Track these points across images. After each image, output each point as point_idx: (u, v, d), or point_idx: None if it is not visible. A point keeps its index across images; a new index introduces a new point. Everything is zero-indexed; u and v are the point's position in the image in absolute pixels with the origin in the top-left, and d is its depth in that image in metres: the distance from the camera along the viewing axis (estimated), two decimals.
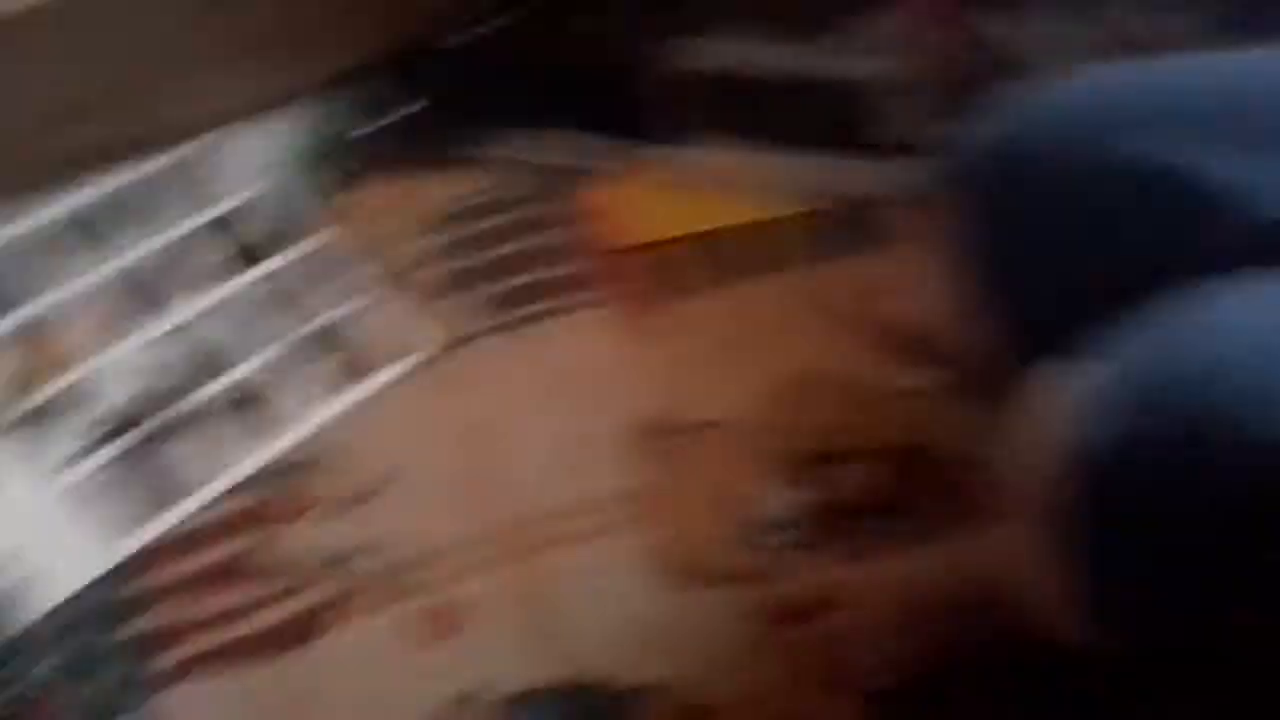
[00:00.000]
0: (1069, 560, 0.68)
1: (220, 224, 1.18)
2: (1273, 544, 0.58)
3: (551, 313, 1.14)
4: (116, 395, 1.08)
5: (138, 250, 1.15)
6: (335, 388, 1.09)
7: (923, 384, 1.08)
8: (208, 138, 1.21)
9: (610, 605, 1.00)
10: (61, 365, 1.09)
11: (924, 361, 1.09)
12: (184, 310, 1.12)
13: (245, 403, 1.08)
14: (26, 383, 1.08)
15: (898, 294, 1.11)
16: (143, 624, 0.97)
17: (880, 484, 1.05)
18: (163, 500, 1.03)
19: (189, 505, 1.03)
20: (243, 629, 0.97)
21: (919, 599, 0.93)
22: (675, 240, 1.19)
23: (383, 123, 1.24)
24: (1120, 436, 0.62)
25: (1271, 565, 0.58)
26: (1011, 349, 0.88)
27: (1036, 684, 0.79)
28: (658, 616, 0.99)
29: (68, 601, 0.97)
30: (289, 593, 0.99)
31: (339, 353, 1.11)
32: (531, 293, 1.16)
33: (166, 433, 1.06)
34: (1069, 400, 0.66)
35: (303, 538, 1.02)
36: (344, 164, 1.21)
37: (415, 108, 1.25)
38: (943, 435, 1.06)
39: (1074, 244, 0.74)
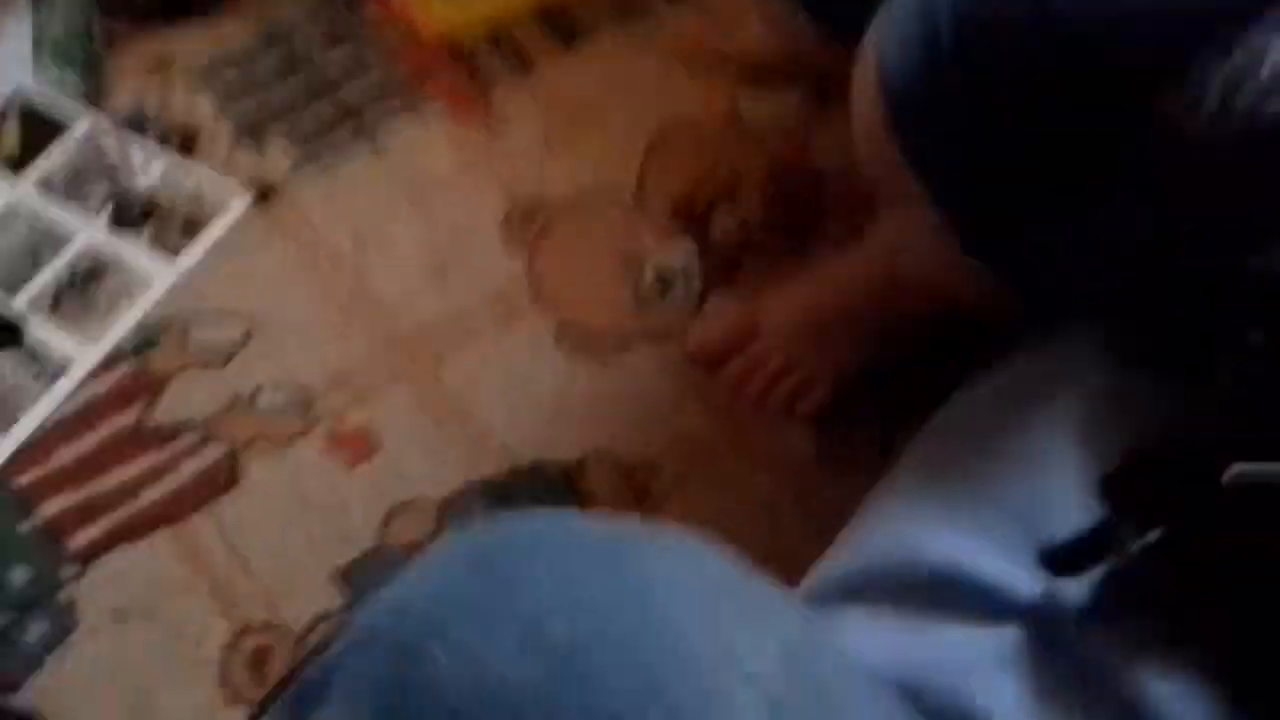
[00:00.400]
0: (920, 182, 0.70)
1: None
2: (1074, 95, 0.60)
3: (379, 127, 1.10)
4: None
5: None
6: (175, 249, 1.04)
7: (789, 106, 1.08)
8: None
9: (525, 391, 0.98)
10: None
11: (780, 86, 1.09)
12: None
13: (91, 277, 1.02)
14: None
15: (740, 25, 1.10)
16: (48, 511, 0.92)
17: (763, 216, 1.05)
18: (36, 389, 0.97)
19: (64, 388, 0.97)
20: (159, 492, 0.93)
21: (830, 309, 0.94)
22: (495, 19, 1.15)
23: None
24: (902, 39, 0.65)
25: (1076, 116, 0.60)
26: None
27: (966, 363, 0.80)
28: (576, 391, 0.98)
29: None
30: (197, 446, 0.95)
31: (167, 216, 1.06)
32: (348, 112, 1.11)
33: (21, 321, 0.99)
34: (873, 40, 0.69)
35: (191, 395, 0.98)
36: (102, 39, 1.14)
37: None
38: (818, 153, 1.06)
39: None
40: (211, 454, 0.95)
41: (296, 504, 0.93)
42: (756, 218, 1.05)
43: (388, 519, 0.93)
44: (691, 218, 1.06)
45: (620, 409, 0.98)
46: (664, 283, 1.03)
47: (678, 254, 1.04)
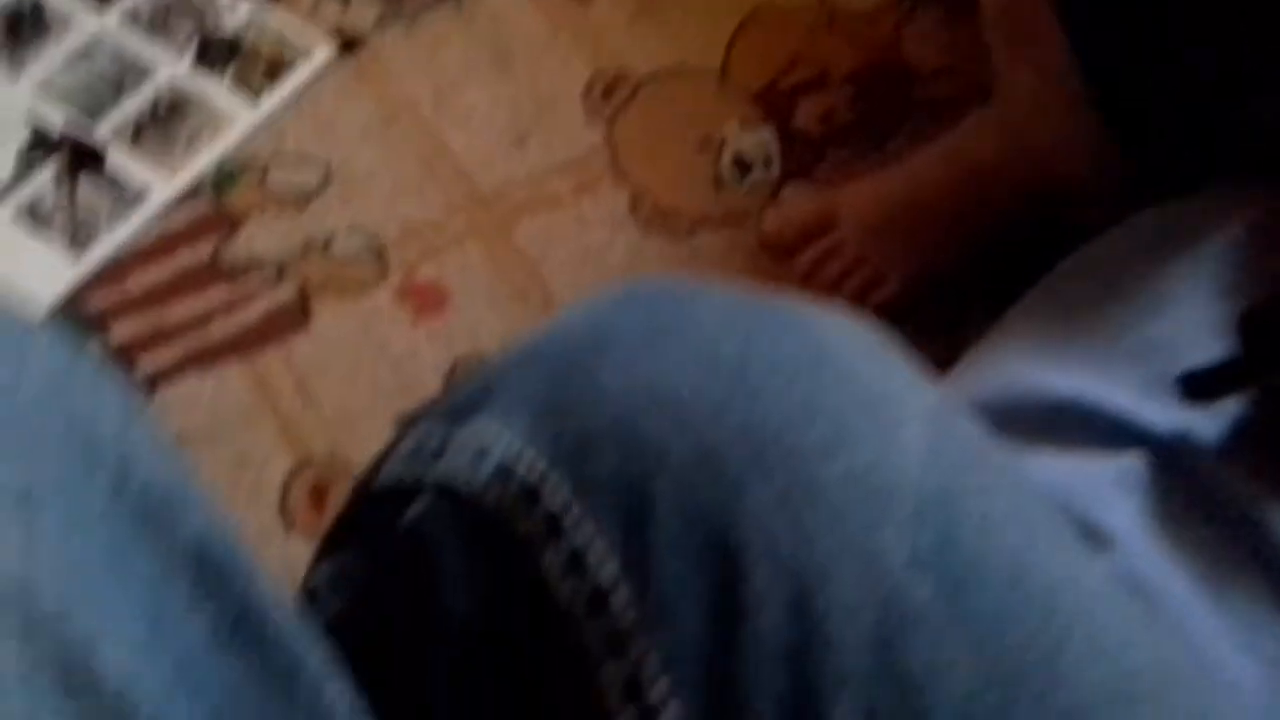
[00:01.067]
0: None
1: None
2: None
3: None
4: (46, 119, 1.01)
5: None
6: (257, 92, 1.04)
7: (877, 3, 1.07)
8: None
9: (596, 261, 0.99)
10: None
11: None
12: (84, 32, 1.05)
13: (173, 112, 1.02)
14: None
15: None
16: (118, 335, 0.93)
17: (849, 108, 1.04)
18: (114, 214, 0.97)
19: (141, 216, 0.97)
20: (229, 325, 0.94)
21: (914, 199, 0.93)
22: None
23: None
24: None
25: None
26: None
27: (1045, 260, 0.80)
28: (645, 266, 0.98)
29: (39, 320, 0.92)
30: (270, 284, 0.96)
31: (251, 59, 1.06)
32: None
33: (103, 147, 1.00)
34: None
35: (266, 235, 0.98)
36: None
37: None
38: (908, 50, 1.05)
39: None
40: (283, 294, 0.95)
41: (364, 349, 0.94)
42: (841, 111, 1.04)
43: (452, 371, 0.93)
44: (775, 104, 1.05)
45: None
46: (742, 166, 1.03)
47: (758, 139, 1.03)
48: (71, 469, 0.34)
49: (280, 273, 0.96)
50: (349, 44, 1.06)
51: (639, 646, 0.38)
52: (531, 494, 0.40)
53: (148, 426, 0.37)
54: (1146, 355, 0.57)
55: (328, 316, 0.95)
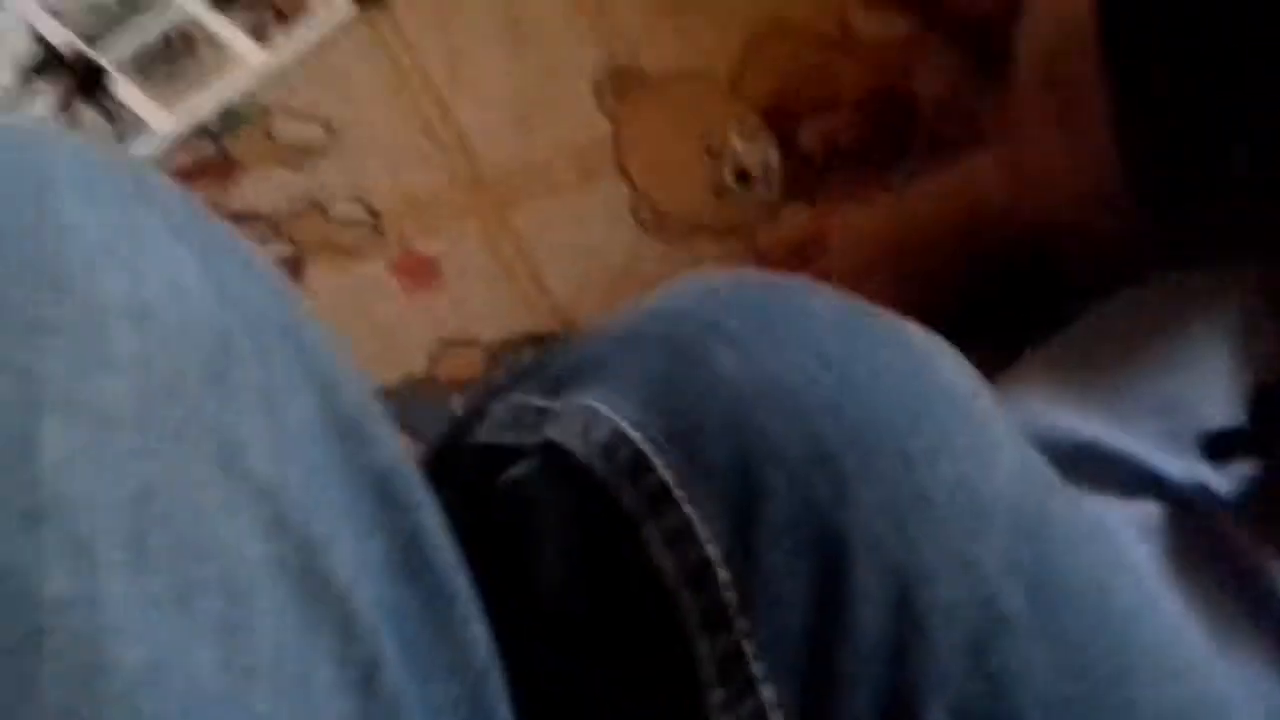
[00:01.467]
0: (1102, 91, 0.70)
1: None
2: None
3: None
4: (53, 40, 0.99)
5: None
6: (271, 40, 1.03)
7: (899, 31, 1.08)
8: None
9: (591, 255, 0.99)
10: None
11: (900, 9, 1.09)
12: None
13: (183, 49, 1.01)
14: None
15: None
16: None
17: (853, 132, 1.05)
18: (113, 145, 0.96)
19: (141, 150, 0.96)
20: None
21: (908, 237, 0.95)
22: None
23: None
24: None
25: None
26: None
27: (1037, 314, 0.82)
28: (640, 267, 0.99)
29: None
30: (264, 239, 0.95)
31: (267, 6, 1.05)
32: None
33: (106, 74, 0.99)
34: None
35: (264, 189, 0.98)
36: None
37: None
38: (918, 81, 1.06)
39: None
40: (276, 250, 0.95)
41: (353, 316, 0.94)
42: (845, 134, 1.06)
43: (439, 350, 0.94)
44: (782, 121, 1.06)
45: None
46: (743, 179, 1.04)
47: (762, 153, 1.04)
48: (294, 379, 0.35)
49: (276, 229, 0.96)
50: (369, 1, 1.05)
51: (739, 627, 0.39)
52: (641, 466, 0.41)
53: (344, 354, 0.38)
54: (1164, 410, 0.60)
55: (319, 279, 0.94)
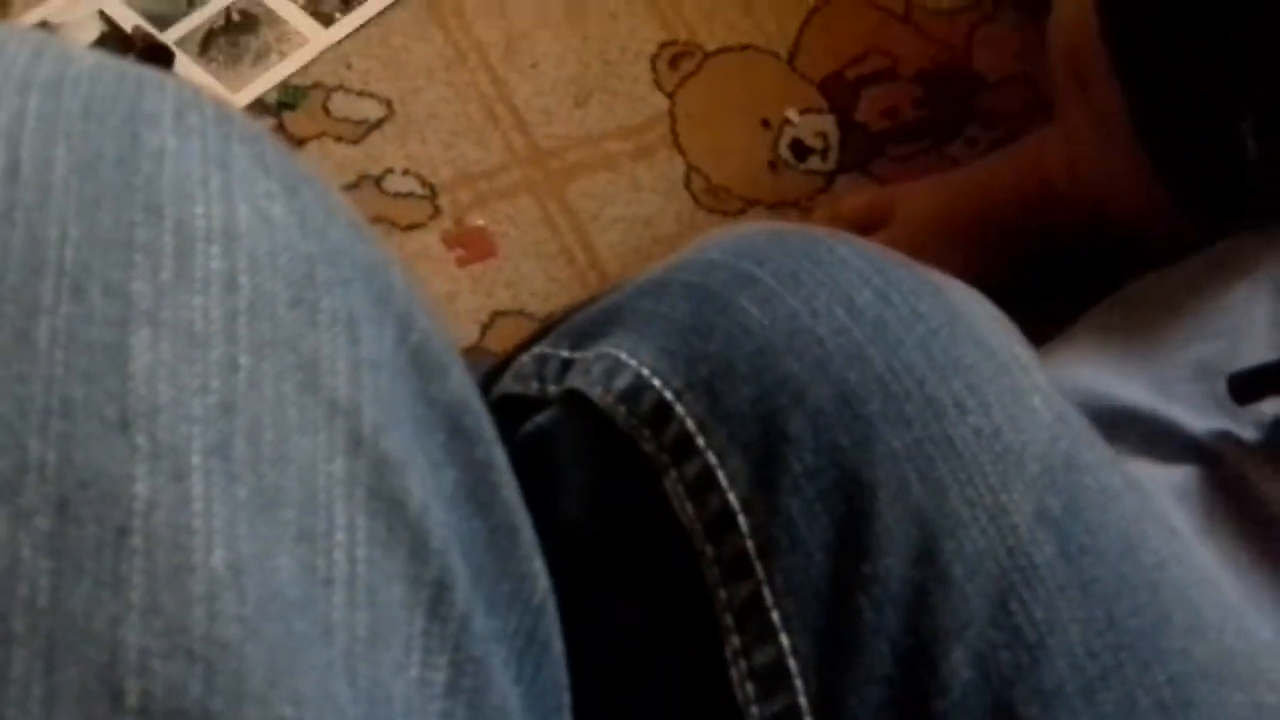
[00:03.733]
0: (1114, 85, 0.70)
1: None
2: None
3: None
4: (118, 18, 1.01)
5: None
6: (329, 18, 1.04)
7: (960, 3, 1.07)
8: None
9: (645, 229, 0.99)
10: None
11: None
12: None
13: (244, 28, 1.03)
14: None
15: None
16: None
17: (913, 105, 1.04)
18: None
19: None
20: None
21: (970, 210, 0.94)
22: None
23: None
24: None
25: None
26: None
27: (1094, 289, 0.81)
28: (694, 240, 0.99)
29: None
30: None
31: None
32: None
33: (170, 53, 1.00)
34: None
35: (321, 164, 0.99)
36: None
37: None
38: (978, 54, 1.05)
39: None
40: None
41: None
42: (904, 108, 1.05)
43: (490, 322, 0.94)
44: (839, 94, 1.05)
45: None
46: (800, 152, 1.03)
47: (819, 126, 1.04)
48: (372, 310, 0.35)
49: None
50: None
51: (759, 573, 0.39)
52: (663, 414, 0.41)
53: (420, 290, 0.38)
54: (1202, 374, 0.58)
55: None
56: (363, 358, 0.34)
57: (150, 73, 0.37)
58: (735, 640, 0.39)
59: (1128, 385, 0.59)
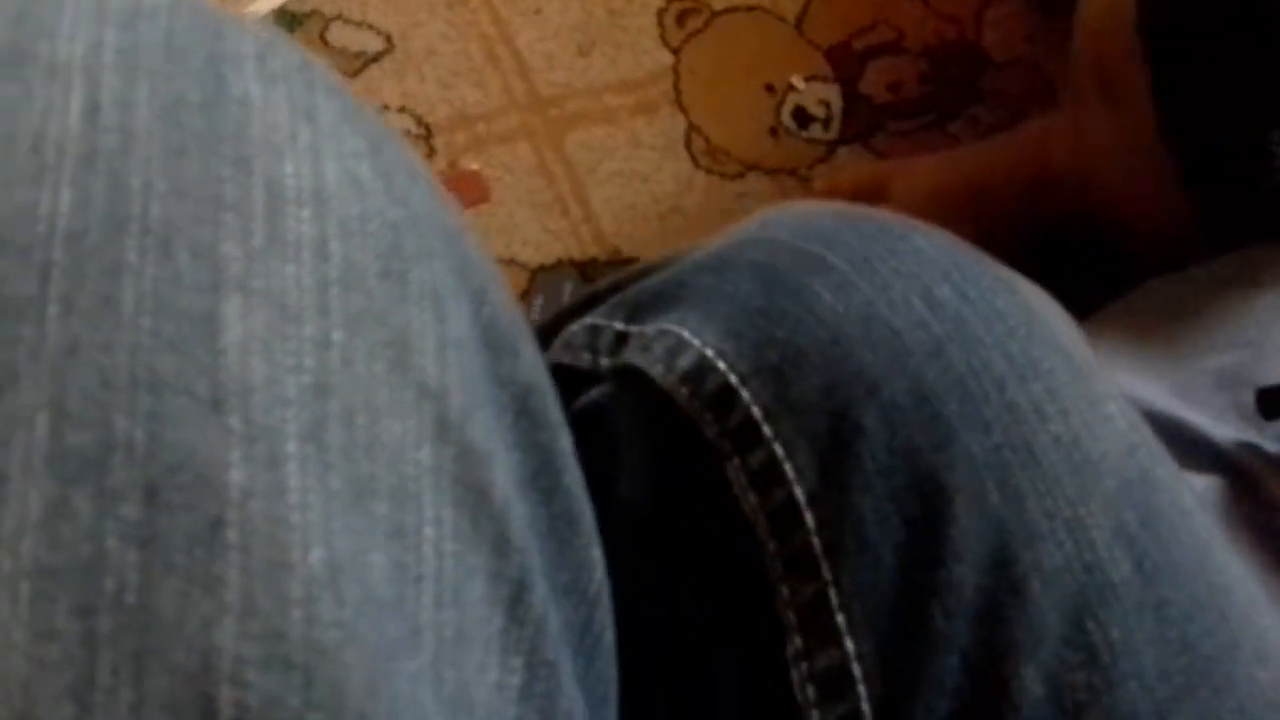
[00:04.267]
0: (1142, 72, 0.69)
1: None
2: None
3: None
4: None
5: None
6: None
7: None
8: None
9: (641, 185, 0.97)
10: None
11: None
12: None
13: None
14: None
15: None
16: None
17: (918, 80, 1.03)
18: None
19: None
20: None
21: (971, 190, 0.93)
22: None
23: None
24: None
25: None
26: None
27: (1088, 270, 0.80)
28: (690, 201, 0.97)
29: None
30: None
31: None
32: None
33: None
34: None
35: None
36: None
37: None
38: (987, 34, 1.04)
39: None
40: None
41: None
42: (909, 83, 1.03)
43: None
44: (845, 63, 1.04)
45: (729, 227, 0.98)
46: (801, 119, 1.02)
47: (823, 95, 1.02)
48: (453, 283, 0.33)
49: None
50: None
51: (825, 573, 0.37)
52: (728, 399, 0.39)
53: (492, 262, 0.36)
54: (1224, 384, 0.58)
55: None
56: (449, 336, 0.32)
57: (224, 11, 0.35)
58: (798, 640, 0.37)
59: (1150, 389, 0.59)
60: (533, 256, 0.94)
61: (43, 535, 0.26)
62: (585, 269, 0.94)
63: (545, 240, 0.95)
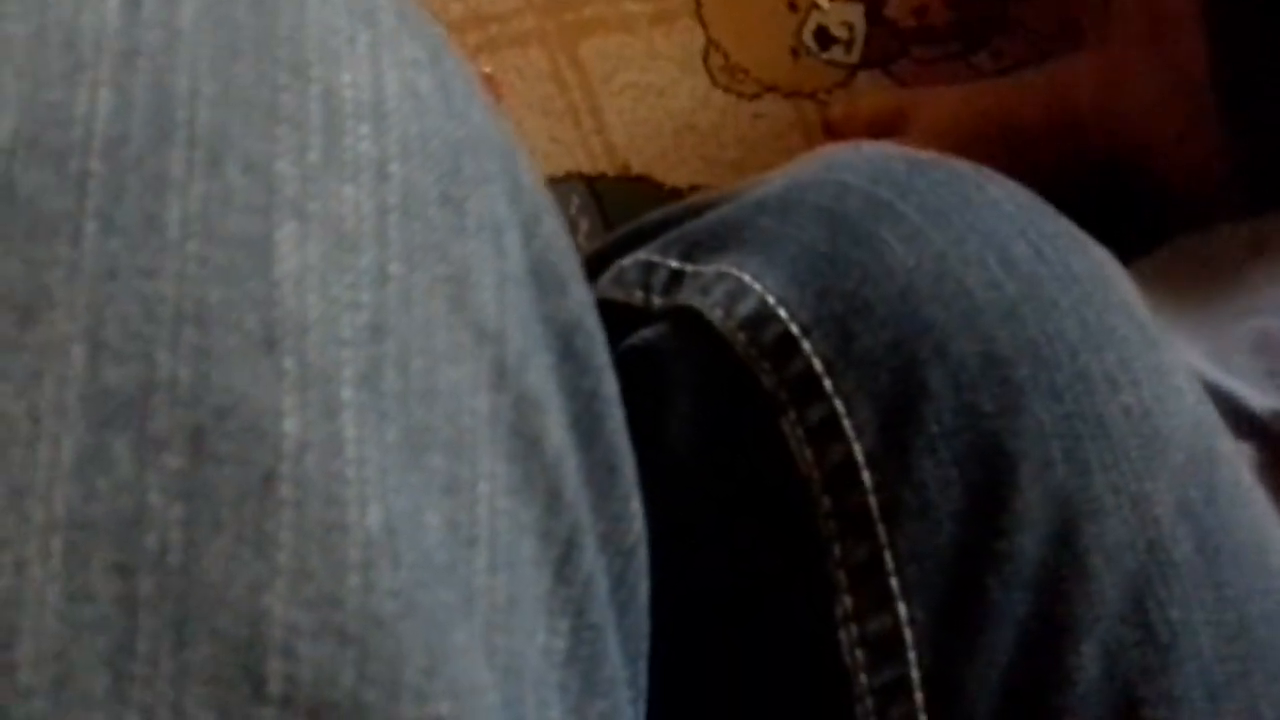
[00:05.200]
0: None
1: None
2: None
3: None
4: None
5: None
6: None
7: None
8: None
9: (657, 100, 0.95)
10: None
11: None
12: None
13: None
14: None
15: None
16: None
17: (942, 9, 1.00)
18: None
19: None
20: None
21: (995, 127, 0.90)
22: None
23: None
24: None
25: None
26: None
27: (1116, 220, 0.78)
28: (705, 118, 0.95)
29: None
30: None
31: None
32: None
33: None
34: None
35: None
36: None
37: None
38: None
39: None
40: None
41: None
42: (935, 9, 1.01)
43: None
44: None
45: (741, 151, 0.95)
46: (823, 40, 0.99)
47: (846, 16, 0.99)
48: (507, 211, 0.31)
49: None
50: None
51: (881, 535, 0.36)
52: (788, 348, 0.38)
53: (543, 186, 0.33)
54: (1261, 348, 0.57)
55: None
56: (507, 272, 0.30)
57: None
58: (848, 601, 0.36)
59: (1186, 350, 0.58)
60: (541, 166, 0.91)
61: (77, 484, 0.24)
62: (593, 183, 0.92)
63: (554, 151, 0.92)
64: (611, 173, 0.92)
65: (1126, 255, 0.75)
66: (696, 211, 0.43)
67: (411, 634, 0.25)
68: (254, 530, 0.24)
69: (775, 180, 0.42)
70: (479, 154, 0.31)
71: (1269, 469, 0.54)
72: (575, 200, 0.92)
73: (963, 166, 0.41)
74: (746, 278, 0.39)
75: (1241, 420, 0.56)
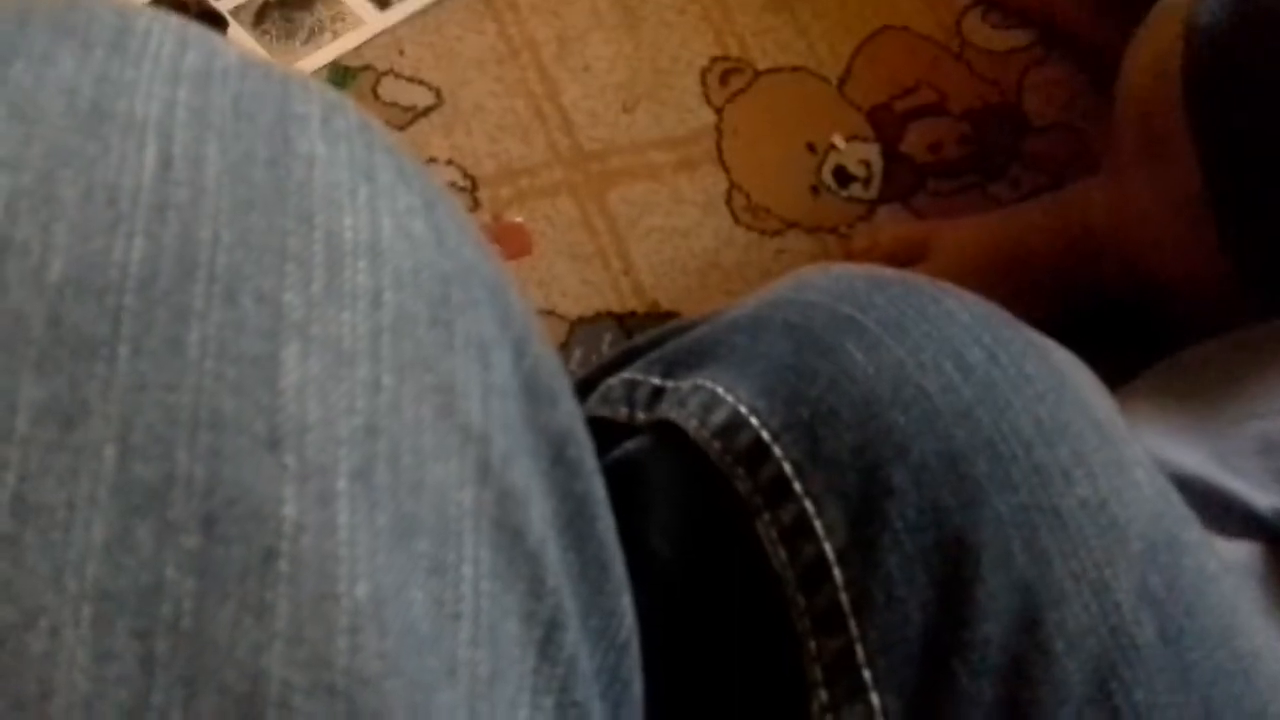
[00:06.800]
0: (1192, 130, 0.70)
1: None
2: None
3: None
4: None
5: None
6: (386, 1, 1.03)
7: (1014, 44, 1.07)
8: None
9: (682, 241, 0.99)
10: None
11: (1017, 23, 1.08)
12: None
13: (299, 3, 1.02)
14: None
15: None
16: None
17: (959, 142, 1.04)
18: None
19: None
20: None
21: (1010, 252, 0.93)
22: None
23: None
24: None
25: None
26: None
27: (1128, 335, 0.81)
28: (730, 257, 0.99)
29: None
30: None
31: None
32: None
33: (224, 23, 0.99)
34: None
35: None
36: None
37: None
38: (1028, 97, 1.05)
39: None
40: None
41: None
42: (950, 144, 1.05)
43: None
44: (886, 124, 1.05)
45: (765, 285, 0.99)
46: (842, 179, 1.03)
47: (863, 155, 1.04)
48: (496, 333, 0.35)
49: None
50: None
51: (852, 629, 0.38)
52: (760, 454, 0.40)
53: (532, 312, 0.37)
54: (1265, 450, 0.58)
55: None
56: (493, 383, 0.34)
57: (292, 72, 0.36)
58: (823, 694, 0.38)
59: (1189, 454, 0.59)
60: (572, 308, 0.95)
61: (106, 561, 0.28)
62: (624, 321, 0.96)
63: (585, 293, 0.96)
64: (641, 311, 0.96)
65: (1139, 365, 0.77)
66: (678, 333, 0.46)
67: (395, 691, 0.28)
68: (256, 600, 0.28)
69: (749, 302, 0.46)
70: (469, 284, 0.35)
71: (1276, 566, 0.55)
72: (608, 337, 0.95)
73: (920, 281, 0.44)
74: (720, 389, 0.42)
75: (1249, 520, 0.57)
